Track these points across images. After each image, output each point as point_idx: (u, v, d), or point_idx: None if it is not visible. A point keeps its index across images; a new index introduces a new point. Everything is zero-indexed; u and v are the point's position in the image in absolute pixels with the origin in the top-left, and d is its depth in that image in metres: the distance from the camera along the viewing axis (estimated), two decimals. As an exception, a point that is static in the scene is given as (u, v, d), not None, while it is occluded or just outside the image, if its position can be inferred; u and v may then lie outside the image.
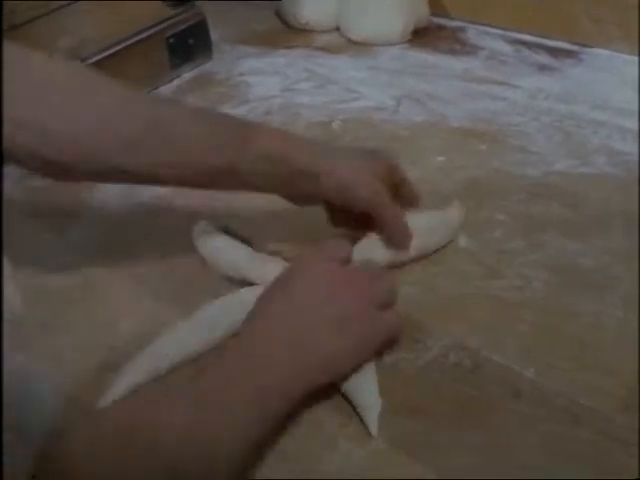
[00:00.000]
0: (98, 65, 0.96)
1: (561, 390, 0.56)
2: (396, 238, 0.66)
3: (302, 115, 0.95)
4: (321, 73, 1.04)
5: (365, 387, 0.57)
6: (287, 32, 1.17)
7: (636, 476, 0.50)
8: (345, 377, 0.56)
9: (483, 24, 1.12)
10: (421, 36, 1.11)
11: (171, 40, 1.04)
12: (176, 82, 1.06)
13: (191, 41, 1.07)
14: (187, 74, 1.07)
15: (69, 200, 0.84)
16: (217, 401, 0.49)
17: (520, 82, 0.97)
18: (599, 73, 0.97)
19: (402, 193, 0.68)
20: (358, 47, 1.10)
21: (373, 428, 0.54)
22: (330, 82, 1.02)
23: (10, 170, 0.90)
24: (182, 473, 0.46)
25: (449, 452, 0.53)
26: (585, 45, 1.03)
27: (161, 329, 0.62)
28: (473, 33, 1.11)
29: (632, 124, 0.86)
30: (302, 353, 0.53)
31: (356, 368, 0.56)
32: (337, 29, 1.15)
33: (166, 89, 1.04)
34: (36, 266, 0.72)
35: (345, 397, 0.57)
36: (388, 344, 0.59)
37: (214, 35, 1.11)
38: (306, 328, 0.54)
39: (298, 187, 0.64)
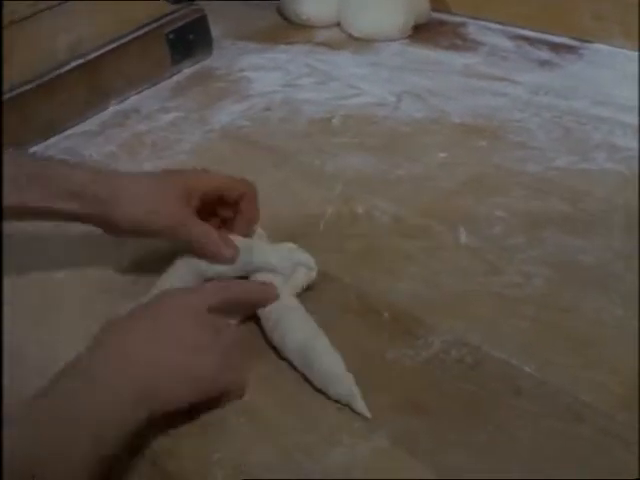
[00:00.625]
0: (98, 61, 0.96)
1: (562, 387, 0.56)
2: (213, 255, 0.64)
3: (303, 111, 0.95)
4: (322, 69, 1.04)
5: (336, 380, 0.57)
6: (288, 28, 1.17)
7: (636, 475, 0.49)
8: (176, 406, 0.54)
9: (484, 20, 1.12)
10: (422, 32, 1.11)
11: (171, 36, 1.04)
12: (176, 78, 1.06)
13: (191, 37, 1.07)
14: (187, 70, 1.08)
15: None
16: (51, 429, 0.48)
17: (521, 78, 0.97)
18: (600, 69, 0.97)
19: (231, 198, 0.67)
20: (359, 43, 1.10)
21: (365, 412, 0.55)
22: (331, 78, 1.02)
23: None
24: None
25: (450, 449, 0.53)
26: (586, 41, 1.03)
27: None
28: (474, 29, 1.11)
29: (633, 120, 0.86)
30: (139, 382, 0.52)
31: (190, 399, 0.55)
32: (338, 25, 1.15)
33: (166, 85, 1.04)
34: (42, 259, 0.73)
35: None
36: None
37: (215, 31, 1.11)
38: (144, 358, 0.53)
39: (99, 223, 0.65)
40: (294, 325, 0.60)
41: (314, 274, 0.66)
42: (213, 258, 0.64)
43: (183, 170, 0.70)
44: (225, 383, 0.56)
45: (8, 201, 0.61)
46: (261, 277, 0.64)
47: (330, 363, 0.57)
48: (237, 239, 0.66)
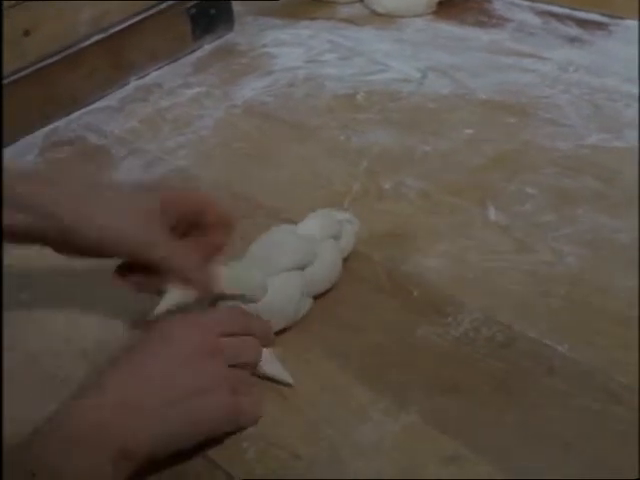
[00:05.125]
0: (120, 36, 0.95)
1: (597, 367, 0.55)
2: (189, 282, 0.57)
3: (326, 87, 0.94)
4: (345, 45, 1.03)
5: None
6: (310, 3, 1.15)
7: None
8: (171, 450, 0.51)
9: (510, -5, 1.09)
10: (446, 8, 1.09)
11: (193, 11, 1.03)
12: (198, 53, 1.05)
13: (213, 12, 1.05)
14: (209, 45, 1.06)
15: (91, 174, 0.84)
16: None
17: (549, 54, 0.95)
18: (631, 45, 0.94)
19: (208, 220, 0.59)
20: (383, 19, 1.08)
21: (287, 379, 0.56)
22: (355, 54, 1.00)
23: (34, 139, 0.90)
24: None
25: (481, 427, 0.52)
26: (616, 17, 1.00)
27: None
28: (500, 4, 1.09)
29: (666, 97, 0.84)
30: (134, 427, 0.48)
31: (189, 445, 0.51)
32: (361, 1, 1.13)
33: (187, 60, 1.03)
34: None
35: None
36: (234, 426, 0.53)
37: (236, 6, 1.09)
38: (148, 398, 0.49)
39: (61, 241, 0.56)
40: None
41: (356, 225, 0.66)
42: (186, 283, 0.57)
43: (160, 186, 0.64)
44: (238, 414, 0.53)
45: None
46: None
47: None
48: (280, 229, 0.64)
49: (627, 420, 0.51)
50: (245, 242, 0.63)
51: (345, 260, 0.65)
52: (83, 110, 0.94)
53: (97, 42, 0.93)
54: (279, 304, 0.59)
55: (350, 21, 1.09)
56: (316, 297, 0.62)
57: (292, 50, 1.03)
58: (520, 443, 0.51)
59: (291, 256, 0.60)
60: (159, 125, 0.90)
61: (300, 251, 0.60)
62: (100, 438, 0.47)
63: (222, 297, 0.59)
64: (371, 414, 0.53)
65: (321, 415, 0.53)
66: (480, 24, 1.05)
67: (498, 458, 0.50)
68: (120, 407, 0.48)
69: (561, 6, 1.05)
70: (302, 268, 0.60)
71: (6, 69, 0.83)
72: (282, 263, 0.60)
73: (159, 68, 1.01)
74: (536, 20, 1.04)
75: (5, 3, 0.82)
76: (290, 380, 0.56)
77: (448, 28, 1.05)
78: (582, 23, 1.01)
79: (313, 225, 0.64)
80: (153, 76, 1.00)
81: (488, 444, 0.51)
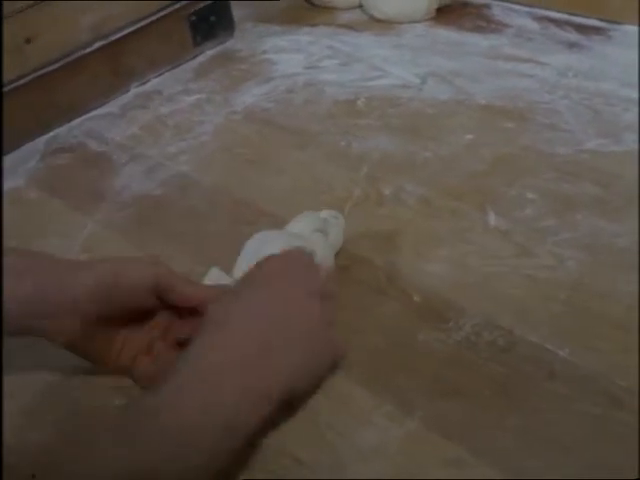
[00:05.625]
0: (121, 43, 0.95)
1: (598, 371, 0.55)
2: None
3: (326, 93, 0.94)
4: (345, 51, 1.03)
5: None
6: (310, 10, 1.15)
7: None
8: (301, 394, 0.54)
9: (508, 1, 1.10)
10: (445, 13, 1.09)
11: (193, 18, 1.03)
12: (198, 60, 1.05)
13: (213, 18, 1.06)
14: (209, 52, 1.07)
15: (93, 180, 0.84)
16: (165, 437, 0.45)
17: (548, 59, 0.96)
18: (629, 50, 0.95)
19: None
20: (382, 25, 1.09)
21: None
22: (354, 60, 1.01)
23: (36, 146, 0.90)
24: None
25: (484, 432, 0.52)
26: (614, 22, 1.01)
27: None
28: (498, 10, 1.09)
29: (664, 101, 0.84)
30: (258, 375, 0.49)
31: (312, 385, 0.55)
32: (360, 7, 1.14)
33: (188, 67, 1.04)
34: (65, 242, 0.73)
35: None
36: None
37: (236, 13, 1.10)
38: (262, 349, 0.50)
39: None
40: None
41: (342, 220, 0.68)
42: None
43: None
44: (338, 347, 0.56)
45: None
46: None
47: None
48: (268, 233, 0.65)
49: (628, 424, 0.51)
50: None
51: (347, 265, 0.65)
52: (84, 117, 0.95)
53: (98, 49, 0.93)
54: None
55: (349, 27, 1.09)
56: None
57: (292, 56, 1.03)
58: (521, 447, 0.51)
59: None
60: (160, 131, 0.91)
61: (289, 245, 0.61)
62: (230, 376, 0.48)
63: None
64: (373, 419, 0.53)
65: (323, 420, 0.54)
66: (479, 29, 1.05)
67: (499, 461, 0.50)
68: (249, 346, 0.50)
69: (559, 11, 1.05)
70: None
71: (7, 76, 0.84)
72: None
73: (160, 74, 1.02)
74: (534, 25, 1.04)
75: (5, 11, 0.82)
76: None
77: (447, 34, 1.05)
78: (580, 28, 1.02)
79: (300, 225, 0.65)
80: (154, 82, 1.01)
81: (489, 448, 0.51)
